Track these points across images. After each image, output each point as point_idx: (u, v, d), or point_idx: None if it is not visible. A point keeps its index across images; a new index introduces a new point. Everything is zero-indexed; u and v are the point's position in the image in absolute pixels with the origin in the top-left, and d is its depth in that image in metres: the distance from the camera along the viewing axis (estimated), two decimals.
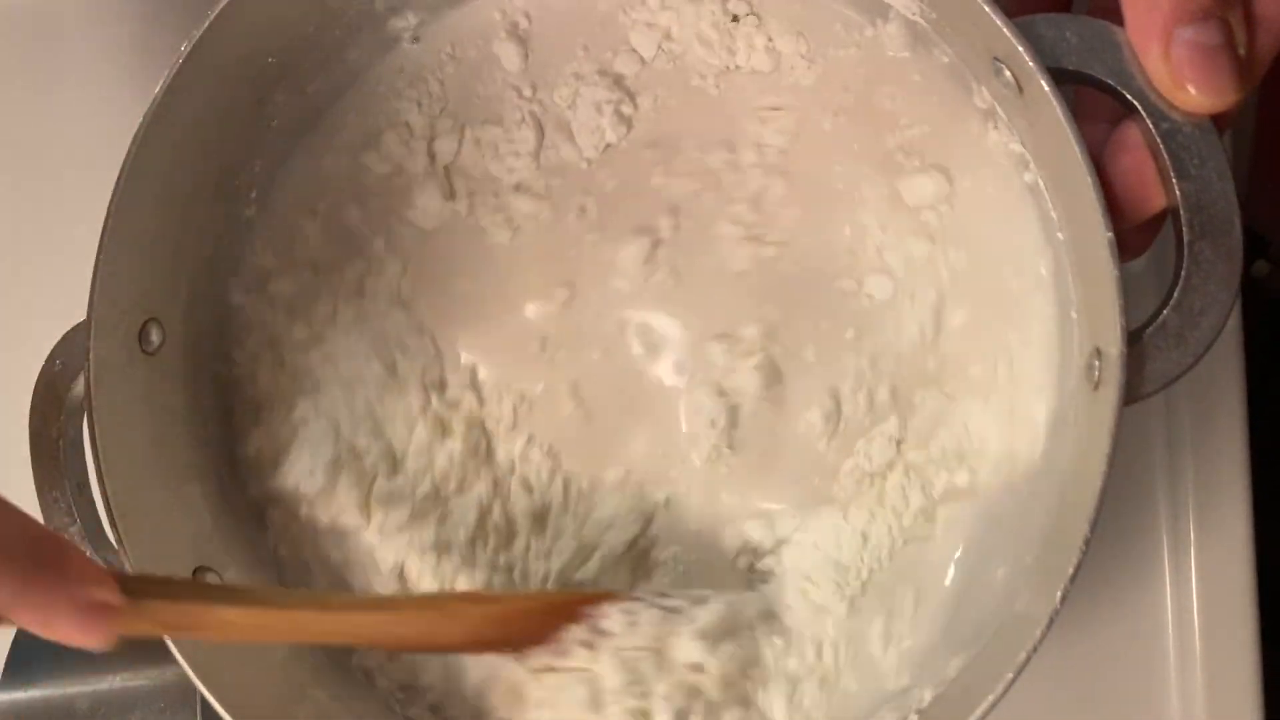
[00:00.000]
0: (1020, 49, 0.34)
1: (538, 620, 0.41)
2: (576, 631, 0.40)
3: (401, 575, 0.44)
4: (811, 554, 0.43)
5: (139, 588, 0.32)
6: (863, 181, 0.43)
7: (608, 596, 0.41)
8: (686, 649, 0.41)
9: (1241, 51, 0.33)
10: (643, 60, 0.45)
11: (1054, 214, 0.39)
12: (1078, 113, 0.34)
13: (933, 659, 0.41)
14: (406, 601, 0.42)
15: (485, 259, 0.46)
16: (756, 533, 0.44)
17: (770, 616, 0.43)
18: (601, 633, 0.41)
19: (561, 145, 0.45)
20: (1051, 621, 0.34)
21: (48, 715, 0.47)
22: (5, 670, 0.47)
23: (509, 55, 0.46)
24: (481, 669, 0.44)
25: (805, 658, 0.42)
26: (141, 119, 0.40)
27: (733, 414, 0.44)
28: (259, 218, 0.47)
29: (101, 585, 0.29)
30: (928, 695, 0.39)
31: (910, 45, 0.42)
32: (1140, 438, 0.46)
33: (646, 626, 0.41)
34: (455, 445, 0.45)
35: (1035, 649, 0.34)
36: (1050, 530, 0.38)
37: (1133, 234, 0.36)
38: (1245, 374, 0.45)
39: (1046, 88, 0.34)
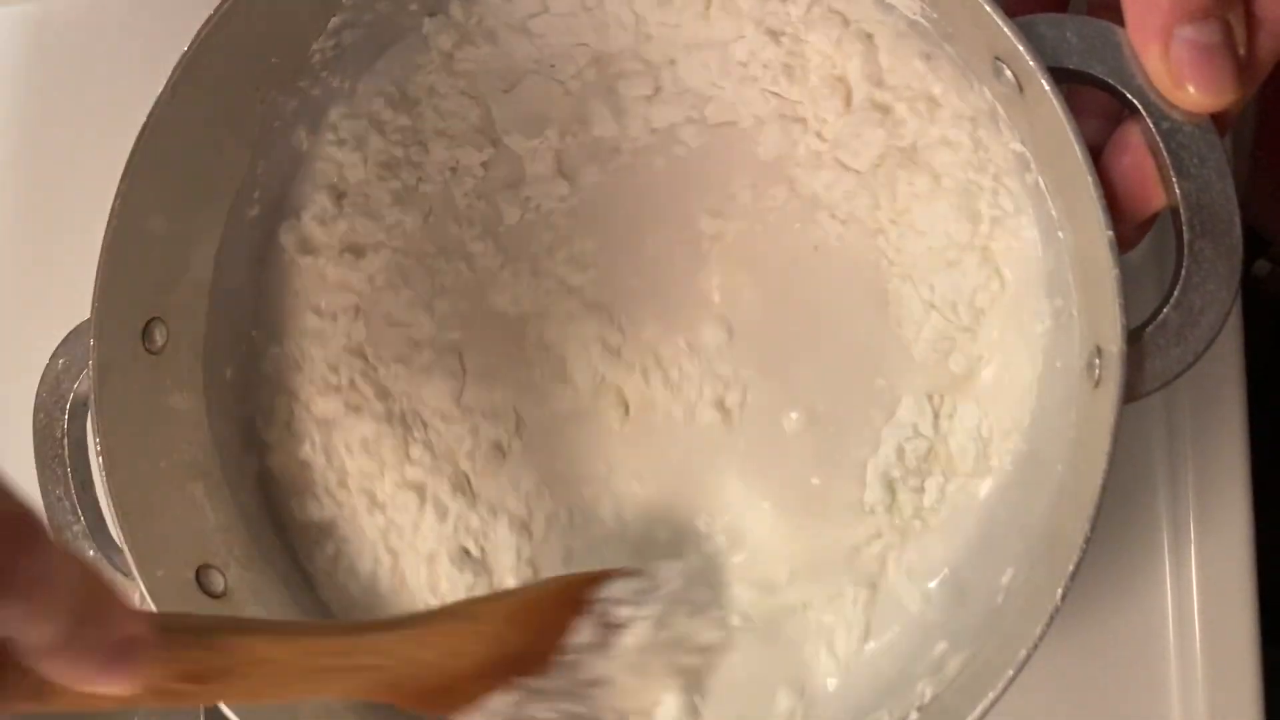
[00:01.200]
0: (1021, 49, 0.34)
1: (553, 610, 0.41)
2: (586, 629, 0.41)
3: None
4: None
5: (168, 624, 0.32)
6: None
7: (610, 574, 0.42)
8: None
9: (1241, 51, 0.33)
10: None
11: (1054, 213, 0.39)
12: (1076, 111, 0.34)
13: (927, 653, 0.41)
14: (433, 616, 0.42)
15: None
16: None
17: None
18: (610, 625, 0.41)
19: None
20: (1052, 619, 0.34)
21: (51, 716, 0.47)
22: None
23: None
24: None
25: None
26: (145, 119, 0.40)
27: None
28: (262, 217, 0.47)
29: (137, 623, 0.28)
30: (928, 692, 0.40)
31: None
32: (1140, 436, 0.46)
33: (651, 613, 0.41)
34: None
35: (1036, 647, 0.35)
36: (1051, 528, 0.38)
37: (1127, 230, 0.37)
38: (1245, 372, 0.46)
39: (1047, 87, 0.34)
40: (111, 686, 0.28)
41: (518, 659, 0.41)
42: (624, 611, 0.42)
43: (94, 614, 0.27)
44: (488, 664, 0.40)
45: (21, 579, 0.24)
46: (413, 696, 0.39)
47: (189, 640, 0.32)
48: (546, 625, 0.41)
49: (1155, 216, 0.37)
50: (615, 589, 0.42)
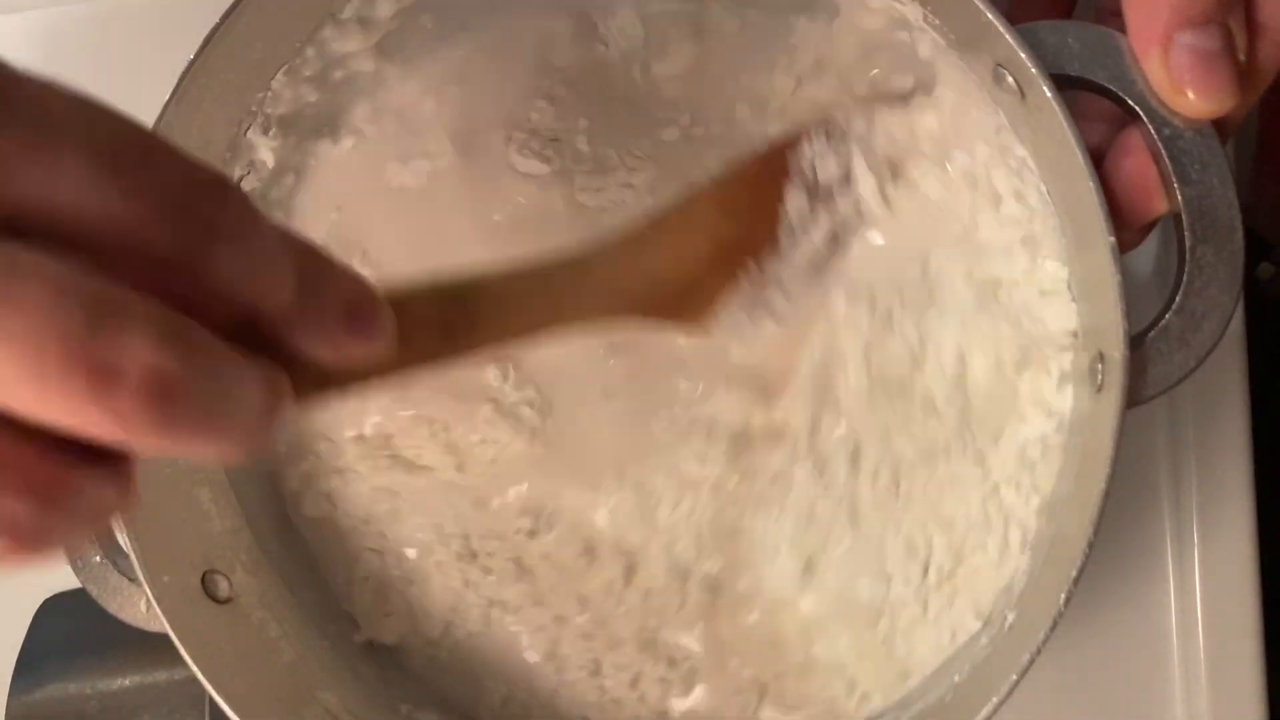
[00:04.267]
0: (1022, 55, 0.35)
1: (759, 189, 0.41)
2: (796, 195, 0.41)
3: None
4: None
5: (395, 287, 0.29)
6: None
7: (796, 137, 0.41)
8: None
9: (1242, 58, 0.34)
10: None
11: (1056, 218, 0.40)
12: (1080, 116, 0.34)
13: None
14: (647, 225, 0.40)
15: None
16: None
17: None
18: (817, 185, 0.41)
19: None
20: (1055, 623, 0.34)
21: (57, 716, 0.47)
22: (16, 671, 0.47)
23: None
24: None
25: None
26: (152, 125, 0.40)
27: None
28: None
29: (365, 283, 0.26)
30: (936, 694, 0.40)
31: None
32: (1143, 441, 0.46)
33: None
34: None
35: (1040, 651, 0.35)
36: (1054, 533, 0.39)
37: (1127, 233, 0.37)
38: (1248, 377, 0.46)
39: (1049, 93, 0.34)
40: (367, 346, 0.26)
41: (742, 242, 0.40)
42: (829, 166, 0.42)
43: (316, 269, 0.25)
44: (716, 256, 0.40)
45: (240, 232, 0.22)
46: (659, 310, 0.38)
47: (423, 293, 0.30)
48: (757, 201, 0.40)
49: (1157, 221, 0.37)
50: (806, 149, 0.41)
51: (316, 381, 0.26)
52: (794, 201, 0.41)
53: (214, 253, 0.22)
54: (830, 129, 0.42)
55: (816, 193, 0.42)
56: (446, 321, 0.31)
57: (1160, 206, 0.36)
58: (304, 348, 0.25)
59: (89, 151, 0.20)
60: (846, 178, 0.42)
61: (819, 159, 0.42)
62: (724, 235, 0.40)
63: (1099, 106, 0.36)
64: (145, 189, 0.21)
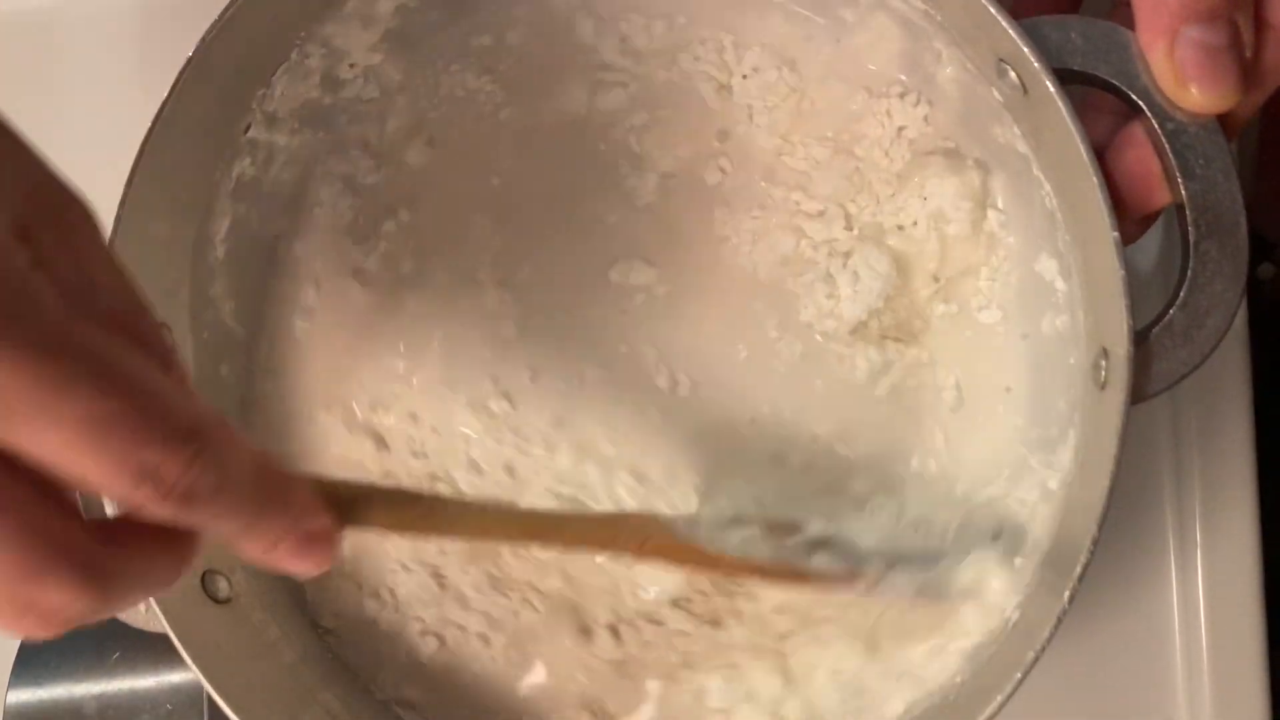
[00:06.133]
0: (1025, 50, 0.34)
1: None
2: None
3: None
4: None
5: (353, 508, 0.31)
6: None
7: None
8: None
9: (1248, 54, 0.33)
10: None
11: (1059, 214, 0.39)
12: (1087, 108, 0.34)
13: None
14: (615, 519, 0.42)
15: None
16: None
17: None
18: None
19: None
20: (1059, 621, 0.34)
21: (56, 717, 0.47)
22: (14, 672, 0.47)
23: None
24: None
25: None
26: (150, 123, 0.40)
27: None
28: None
29: (318, 515, 0.29)
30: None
31: None
32: (1146, 437, 0.46)
33: None
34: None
35: (1044, 648, 0.34)
36: (1058, 530, 0.38)
37: (1128, 224, 0.37)
38: (1251, 375, 0.46)
39: (1052, 89, 0.34)
40: (302, 570, 0.29)
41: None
42: None
43: (276, 508, 0.28)
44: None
45: (198, 492, 0.25)
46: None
47: (381, 511, 0.32)
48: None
49: (1158, 213, 0.37)
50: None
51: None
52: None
53: (185, 511, 0.26)
54: None
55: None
56: (393, 528, 0.34)
57: (1161, 198, 0.35)
58: (239, 554, 0.28)
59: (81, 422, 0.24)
60: None
61: None
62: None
63: (1106, 98, 0.36)
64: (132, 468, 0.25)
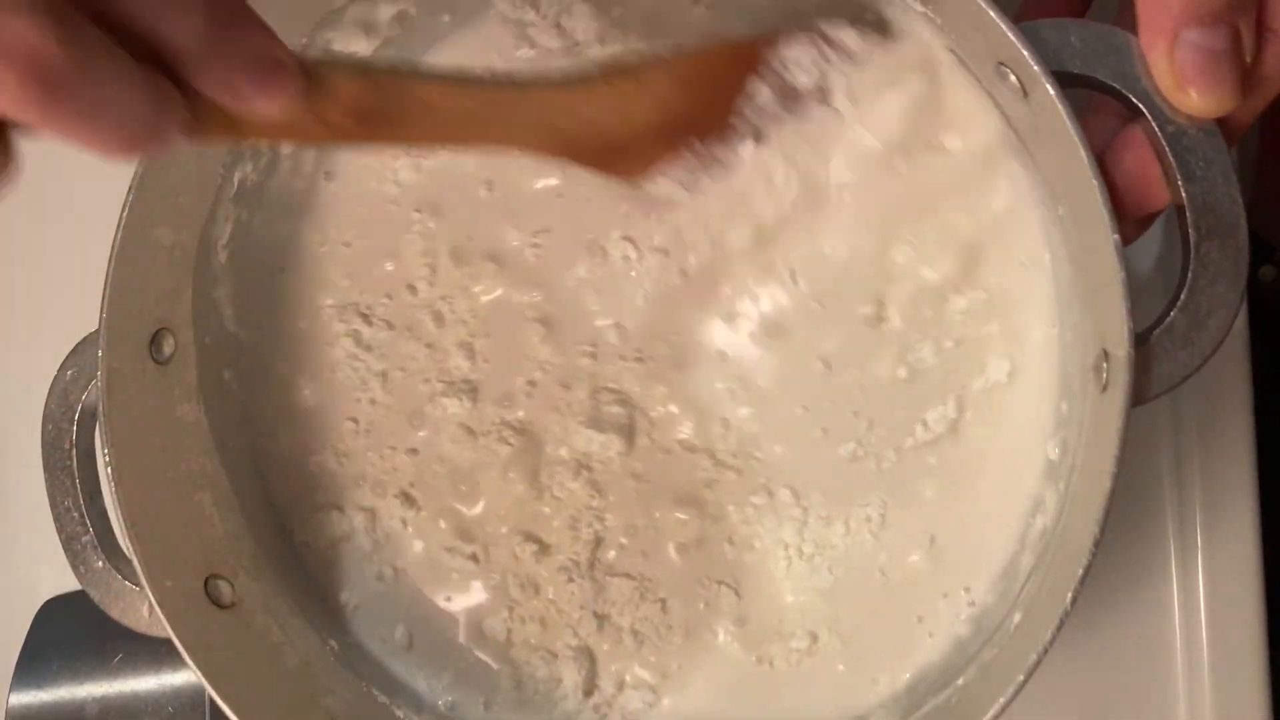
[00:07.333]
0: (1025, 53, 0.34)
1: (724, 76, 0.40)
2: (763, 90, 0.40)
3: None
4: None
5: (326, 61, 0.31)
6: None
7: (782, 34, 0.40)
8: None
9: (1248, 59, 0.33)
10: None
11: (1060, 216, 0.40)
12: (1091, 109, 0.34)
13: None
14: (599, 76, 0.39)
15: None
16: None
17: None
18: (789, 90, 0.40)
19: None
20: (1062, 623, 0.34)
21: (57, 719, 0.47)
22: (16, 674, 0.47)
23: None
24: None
25: None
26: None
27: None
28: None
29: (277, 46, 0.29)
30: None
31: None
32: (1147, 440, 0.46)
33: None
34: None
35: (1046, 650, 0.34)
36: (1060, 532, 0.38)
37: (1127, 226, 0.37)
38: (1251, 376, 0.46)
39: (1051, 92, 0.34)
40: (268, 103, 0.28)
41: (692, 121, 0.40)
42: (803, 76, 0.41)
43: (229, 15, 0.27)
44: (661, 125, 0.39)
45: None
46: (587, 155, 0.38)
47: (350, 75, 0.31)
48: (719, 86, 0.40)
49: (1157, 214, 0.37)
50: (792, 51, 0.40)
51: (221, 123, 0.28)
52: (759, 95, 0.40)
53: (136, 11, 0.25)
54: (818, 42, 0.41)
55: (784, 97, 0.41)
56: (365, 107, 0.31)
57: (1160, 198, 0.35)
58: (205, 90, 0.27)
59: None
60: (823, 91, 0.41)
61: (797, 65, 0.41)
62: (674, 108, 0.39)
63: (1106, 101, 0.36)
64: None
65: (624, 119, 0.39)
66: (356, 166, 0.47)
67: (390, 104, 0.32)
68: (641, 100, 0.38)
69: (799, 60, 0.41)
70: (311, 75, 0.30)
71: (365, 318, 0.47)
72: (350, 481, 0.47)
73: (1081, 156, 0.34)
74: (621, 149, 0.39)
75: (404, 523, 0.47)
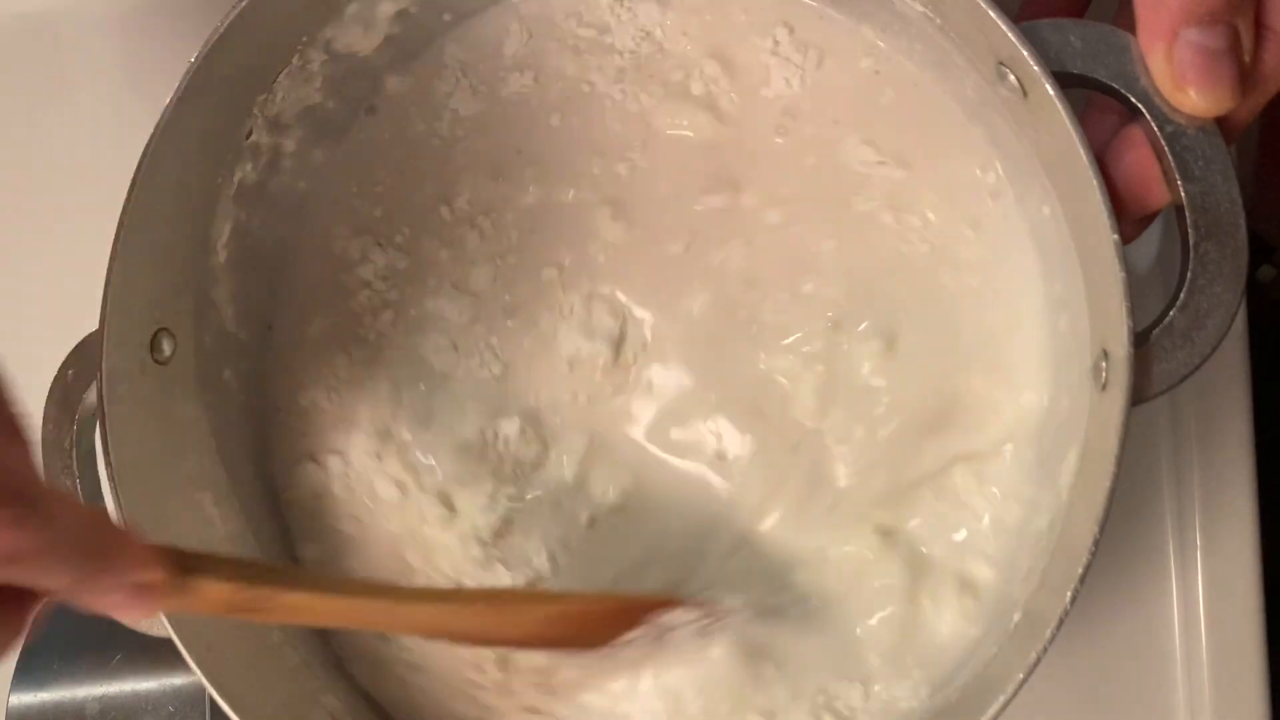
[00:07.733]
0: (1024, 53, 0.35)
1: (600, 623, 0.41)
2: (637, 638, 0.41)
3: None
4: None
5: (195, 566, 0.32)
6: None
7: (673, 603, 0.42)
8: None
9: (1247, 58, 0.34)
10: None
11: (1060, 215, 0.40)
12: (1093, 107, 0.34)
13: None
14: (472, 595, 0.43)
15: None
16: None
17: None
18: (664, 643, 0.41)
19: None
20: (1061, 622, 0.34)
21: (58, 719, 0.47)
22: (16, 674, 0.47)
23: None
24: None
25: None
26: (153, 129, 0.40)
27: None
28: None
29: (148, 568, 0.30)
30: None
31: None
32: (1146, 439, 0.46)
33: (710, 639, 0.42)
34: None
35: (1045, 650, 0.35)
36: (1059, 532, 0.38)
37: (1126, 225, 0.37)
38: (1251, 376, 0.46)
39: (1051, 91, 0.34)
40: (143, 614, 0.31)
41: (558, 645, 0.41)
42: (681, 637, 0.42)
43: (97, 565, 0.29)
44: (525, 644, 0.41)
45: (24, 551, 0.27)
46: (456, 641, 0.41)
47: (220, 579, 0.33)
48: (591, 632, 0.41)
49: (1155, 214, 0.37)
50: (676, 617, 0.42)
51: None
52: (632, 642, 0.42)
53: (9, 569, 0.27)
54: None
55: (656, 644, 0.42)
56: (236, 605, 0.34)
57: (1160, 198, 0.36)
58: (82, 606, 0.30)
59: None
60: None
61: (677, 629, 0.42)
62: (542, 641, 0.41)
63: (1105, 100, 0.36)
64: None
65: (490, 639, 0.41)
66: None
67: (259, 603, 0.34)
68: (513, 629, 0.40)
69: (680, 624, 0.42)
70: (183, 586, 0.32)
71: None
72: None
73: (1081, 155, 0.34)
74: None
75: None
